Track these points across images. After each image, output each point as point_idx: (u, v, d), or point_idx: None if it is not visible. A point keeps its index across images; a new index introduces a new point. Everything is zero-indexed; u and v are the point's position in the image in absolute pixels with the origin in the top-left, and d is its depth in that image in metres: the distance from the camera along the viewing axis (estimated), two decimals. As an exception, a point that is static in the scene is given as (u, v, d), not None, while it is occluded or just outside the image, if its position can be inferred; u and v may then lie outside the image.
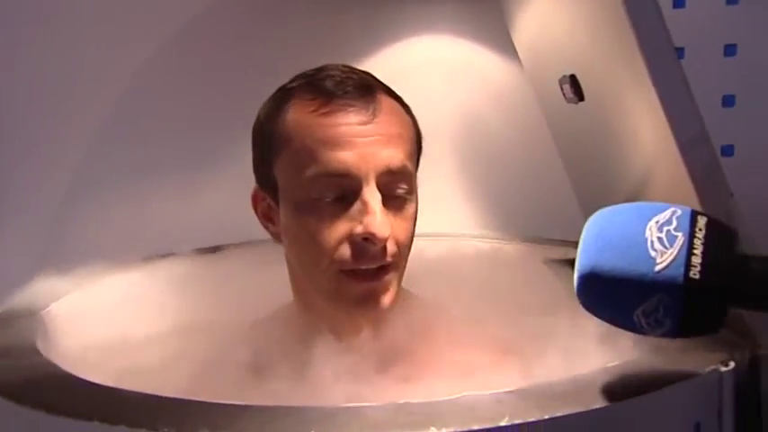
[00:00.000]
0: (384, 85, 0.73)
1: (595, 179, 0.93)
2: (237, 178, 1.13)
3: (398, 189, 0.68)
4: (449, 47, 1.16)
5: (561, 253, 0.99)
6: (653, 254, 0.50)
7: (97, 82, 1.12)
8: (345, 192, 0.67)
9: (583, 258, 0.52)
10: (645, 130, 0.71)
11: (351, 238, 0.66)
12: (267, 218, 0.74)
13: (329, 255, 0.67)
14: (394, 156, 0.68)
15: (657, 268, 0.49)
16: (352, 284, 0.67)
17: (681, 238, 0.50)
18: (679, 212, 0.51)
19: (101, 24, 1.11)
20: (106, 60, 1.12)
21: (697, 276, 0.49)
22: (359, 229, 0.66)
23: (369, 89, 0.70)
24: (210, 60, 1.15)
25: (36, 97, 1.12)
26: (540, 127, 1.04)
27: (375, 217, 0.65)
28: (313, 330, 0.67)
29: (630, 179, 0.81)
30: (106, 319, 0.77)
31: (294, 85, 0.72)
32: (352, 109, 0.68)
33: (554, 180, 1.06)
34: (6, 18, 1.11)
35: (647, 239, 0.50)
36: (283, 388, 0.58)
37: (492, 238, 1.07)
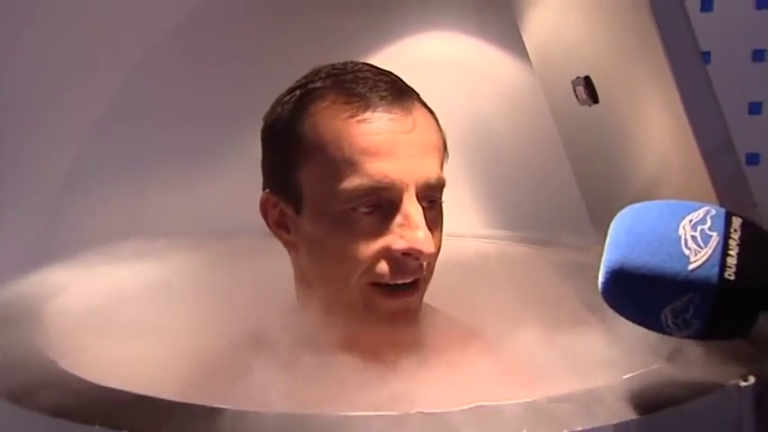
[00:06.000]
0: (411, 87, 0.69)
1: (604, 184, 0.92)
2: (237, 170, 1.13)
3: (433, 201, 0.66)
4: (455, 45, 1.15)
5: (566, 256, 0.98)
6: (686, 252, 0.48)
7: (97, 71, 1.11)
8: (383, 203, 0.63)
9: (611, 254, 0.50)
10: (663, 136, 0.69)
11: (389, 253, 0.63)
12: (281, 225, 0.69)
13: (363, 269, 0.63)
14: (432, 168, 0.65)
15: (691, 267, 0.48)
16: (384, 300, 0.64)
17: (716, 238, 0.48)
18: (713, 212, 0.50)
19: (102, 13, 1.09)
20: (107, 49, 1.10)
21: (732, 278, 0.47)
22: (400, 243, 0.62)
23: (405, 94, 0.66)
24: (214, 53, 1.13)
25: (36, 85, 1.10)
26: (548, 128, 1.03)
27: (419, 232, 0.62)
28: (319, 339, 0.64)
29: (642, 186, 0.80)
30: (105, 313, 0.75)
31: (317, 84, 0.67)
32: (391, 117, 0.64)
33: (561, 182, 1.04)
34: (5, 4, 1.09)
35: (680, 237, 0.48)
36: (288, 396, 0.56)
37: (496, 240, 1.05)
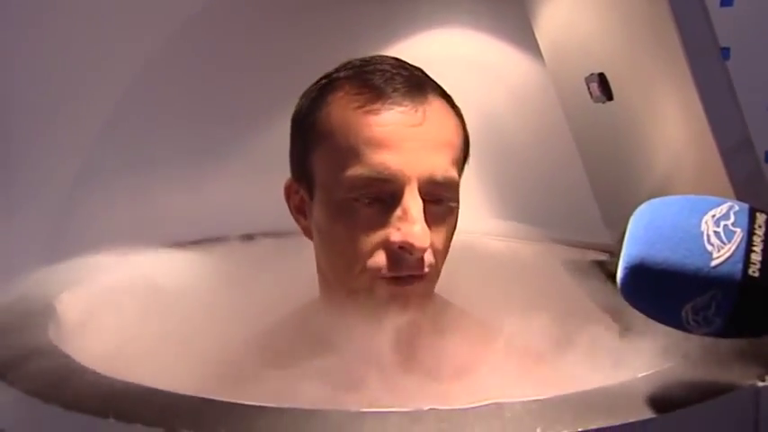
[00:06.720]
0: (435, 83, 0.69)
1: (617, 182, 0.91)
2: (243, 171, 1.13)
3: (440, 198, 0.65)
4: (467, 41, 1.14)
5: (578, 254, 0.97)
6: (709, 248, 0.47)
7: (106, 73, 1.10)
8: (385, 195, 0.63)
9: (631, 249, 0.49)
10: (678, 133, 0.68)
11: (387, 245, 0.63)
12: (299, 211, 0.70)
13: (363, 260, 0.63)
14: (439, 164, 0.64)
15: (714, 263, 0.47)
16: (383, 287, 0.64)
17: (739, 234, 0.47)
18: (736, 208, 0.49)
19: (110, 15, 1.09)
20: (115, 51, 1.10)
21: (756, 274, 0.46)
22: (396, 236, 0.62)
23: (420, 88, 0.66)
24: (222, 53, 1.13)
25: (46, 87, 1.10)
26: (560, 126, 1.02)
27: (415, 226, 0.62)
28: (339, 330, 0.64)
29: (655, 184, 0.79)
30: (120, 309, 0.75)
31: (341, 75, 0.67)
32: (400, 109, 0.64)
33: (573, 180, 1.04)
34: (16, 6, 1.09)
35: (702, 233, 0.47)
36: (306, 390, 0.56)
37: (507, 237, 1.05)
